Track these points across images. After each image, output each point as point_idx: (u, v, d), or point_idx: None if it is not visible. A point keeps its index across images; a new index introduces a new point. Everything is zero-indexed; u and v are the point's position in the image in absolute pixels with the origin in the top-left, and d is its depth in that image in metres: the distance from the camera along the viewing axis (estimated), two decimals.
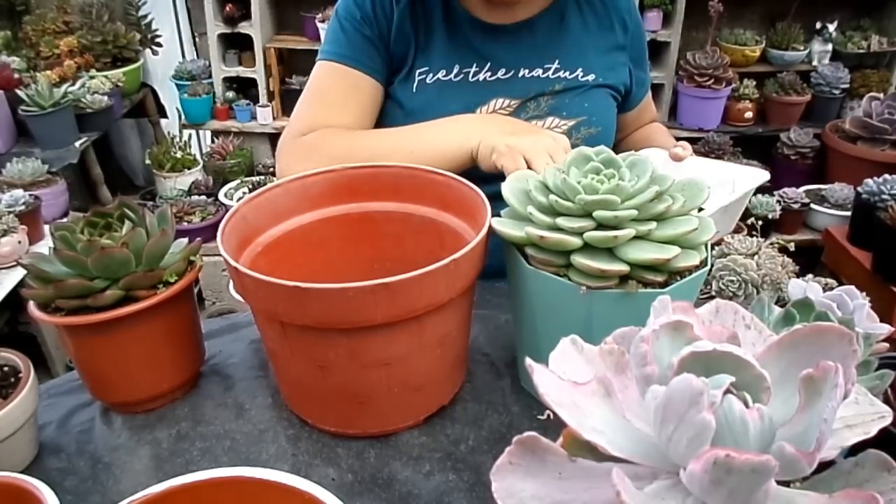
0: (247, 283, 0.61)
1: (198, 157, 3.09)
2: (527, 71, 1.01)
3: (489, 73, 1.00)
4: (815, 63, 2.86)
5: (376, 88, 1.01)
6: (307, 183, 0.78)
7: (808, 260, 2.40)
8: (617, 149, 0.73)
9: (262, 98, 3.01)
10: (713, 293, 0.72)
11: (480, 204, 0.70)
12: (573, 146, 1.00)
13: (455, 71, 1.00)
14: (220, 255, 0.64)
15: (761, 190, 2.66)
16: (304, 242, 0.79)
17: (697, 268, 0.62)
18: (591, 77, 1.03)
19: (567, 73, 1.02)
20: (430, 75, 1.00)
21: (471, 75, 1.00)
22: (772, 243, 0.80)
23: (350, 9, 1.00)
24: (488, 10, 1.00)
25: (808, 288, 0.62)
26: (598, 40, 1.05)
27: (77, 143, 2.48)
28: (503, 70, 1.00)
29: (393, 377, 0.65)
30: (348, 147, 0.95)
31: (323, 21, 2.80)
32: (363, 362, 0.63)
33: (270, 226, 0.76)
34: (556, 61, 1.02)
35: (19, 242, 2.03)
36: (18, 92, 2.35)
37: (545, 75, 1.01)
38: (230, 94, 3.04)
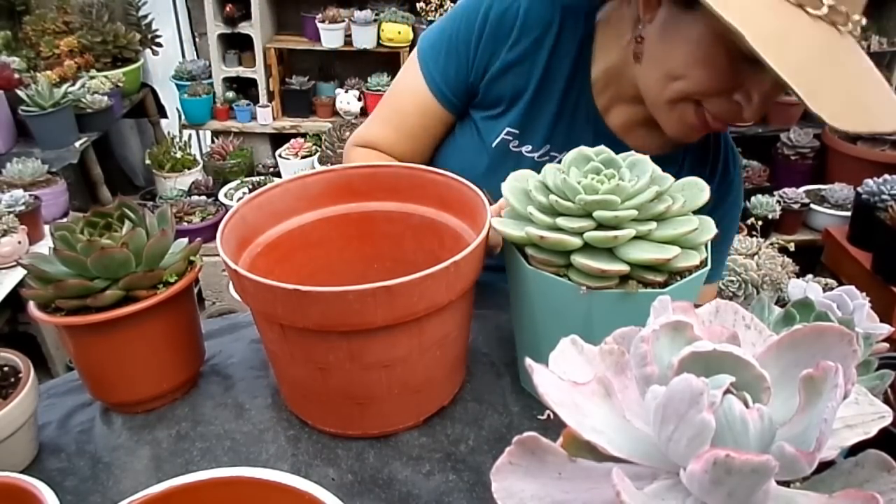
0: (246, 286, 0.61)
1: (198, 157, 3.10)
2: None
3: None
4: None
5: (447, 119, 0.96)
6: (306, 183, 0.78)
7: (808, 260, 2.40)
8: None
9: (262, 98, 3.01)
10: None
11: (480, 204, 0.70)
12: None
13: (542, 151, 0.92)
14: (219, 255, 0.64)
15: (761, 190, 2.66)
16: (304, 242, 0.79)
17: (697, 268, 0.62)
18: None
19: None
20: (516, 142, 0.92)
21: (556, 160, 0.88)
22: (772, 243, 0.80)
23: (467, 24, 0.89)
24: (622, 124, 0.90)
25: (808, 288, 0.62)
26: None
27: (77, 143, 2.48)
28: None
29: (393, 379, 0.65)
30: None
31: (323, 21, 2.80)
32: (363, 364, 0.63)
33: (270, 226, 0.76)
34: None
35: (19, 242, 2.03)
36: (18, 92, 2.35)
37: None
38: (230, 95, 3.04)
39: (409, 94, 0.96)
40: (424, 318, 0.61)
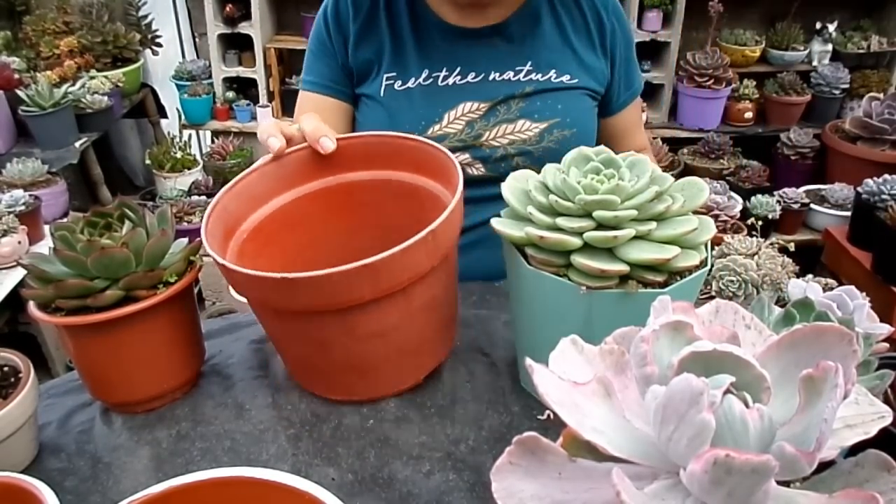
0: (236, 278, 0.63)
1: (198, 157, 3.09)
2: (497, 74, 1.00)
3: (458, 77, 1.00)
4: (815, 63, 2.86)
5: (343, 107, 1.06)
6: (281, 162, 0.78)
7: (808, 260, 2.39)
8: None
9: (262, 98, 3.01)
10: (713, 293, 0.72)
11: (452, 167, 0.70)
12: (546, 149, 1.01)
13: (424, 76, 1.00)
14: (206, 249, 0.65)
15: (761, 190, 2.66)
16: (287, 222, 0.79)
17: (697, 268, 0.62)
18: (565, 78, 1.01)
19: (539, 76, 1.00)
20: (399, 82, 1.00)
21: (440, 80, 1.00)
22: (772, 243, 0.80)
23: (317, 30, 1.04)
24: (458, 14, 0.99)
25: (808, 288, 0.62)
26: (573, 40, 1.02)
27: (77, 144, 2.48)
28: (473, 74, 1.00)
29: (389, 345, 0.68)
30: None
31: None
32: (358, 336, 0.66)
33: (251, 212, 0.77)
34: (529, 63, 1.00)
35: (19, 242, 2.03)
36: (18, 92, 2.35)
37: (516, 78, 1.00)
38: (230, 95, 3.04)
39: (306, 105, 1.07)
40: (409, 286, 0.63)
